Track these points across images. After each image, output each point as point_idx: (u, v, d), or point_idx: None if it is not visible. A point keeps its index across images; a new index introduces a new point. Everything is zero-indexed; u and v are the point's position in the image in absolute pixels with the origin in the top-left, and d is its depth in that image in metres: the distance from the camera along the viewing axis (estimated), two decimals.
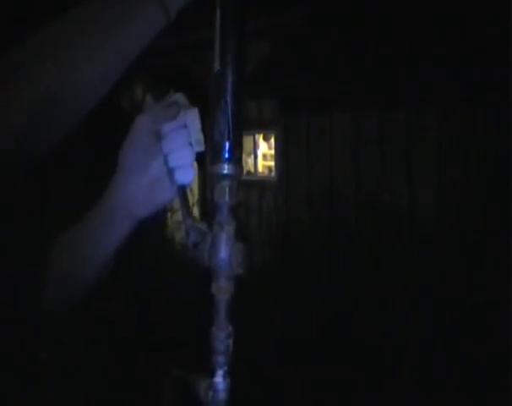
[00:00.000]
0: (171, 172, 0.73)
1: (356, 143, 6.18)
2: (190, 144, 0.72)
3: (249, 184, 7.08)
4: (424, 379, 3.57)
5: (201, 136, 0.73)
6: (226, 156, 0.66)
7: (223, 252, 0.66)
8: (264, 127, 7.06)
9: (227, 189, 0.66)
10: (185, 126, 0.72)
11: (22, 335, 0.76)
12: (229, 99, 0.65)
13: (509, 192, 3.74)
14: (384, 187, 5.89)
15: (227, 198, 0.66)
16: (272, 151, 7.25)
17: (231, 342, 0.67)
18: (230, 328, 0.67)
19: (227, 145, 0.65)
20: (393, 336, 3.99)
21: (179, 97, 0.74)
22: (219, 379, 0.66)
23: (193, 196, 6.76)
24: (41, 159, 0.59)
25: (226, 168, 0.66)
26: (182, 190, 0.75)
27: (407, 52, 5.36)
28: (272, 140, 7.24)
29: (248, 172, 7.39)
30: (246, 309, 4.26)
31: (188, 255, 0.69)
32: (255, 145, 7.41)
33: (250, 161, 7.43)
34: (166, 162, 0.72)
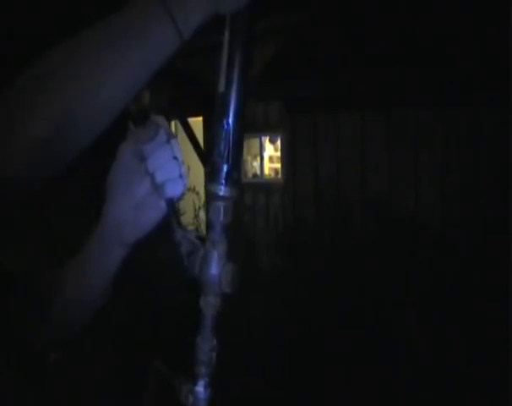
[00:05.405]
0: (160, 187, 0.74)
1: (363, 144, 6.17)
2: (175, 158, 0.74)
3: (256, 187, 7.11)
4: (424, 379, 3.57)
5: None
6: (224, 178, 0.65)
7: (213, 270, 0.66)
8: (270, 129, 7.08)
9: (222, 209, 0.66)
10: (167, 142, 0.74)
11: (29, 339, 0.79)
12: (231, 121, 0.64)
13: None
14: (391, 188, 5.87)
15: (221, 218, 0.67)
16: (278, 154, 7.26)
17: (214, 354, 0.68)
18: (214, 341, 0.68)
19: (225, 167, 0.65)
20: (393, 336, 3.98)
21: (158, 119, 0.76)
22: (200, 388, 0.68)
23: (200, 200, 6.77)
24: (51, 176, 0.61)
25: (222, 190, 0.66)
26: (171, 203, 0.76)
27: (414, 53, 5.34)
28: (278, 143, 7.25)
29: (255, 175, 7.42)
30: (252, 310, 4.28)
31: (183, 265, 0.70)
32: (261, 148, 7.43)
33: (256, 163, 7.45)
34: (153, 180, 0.74)
